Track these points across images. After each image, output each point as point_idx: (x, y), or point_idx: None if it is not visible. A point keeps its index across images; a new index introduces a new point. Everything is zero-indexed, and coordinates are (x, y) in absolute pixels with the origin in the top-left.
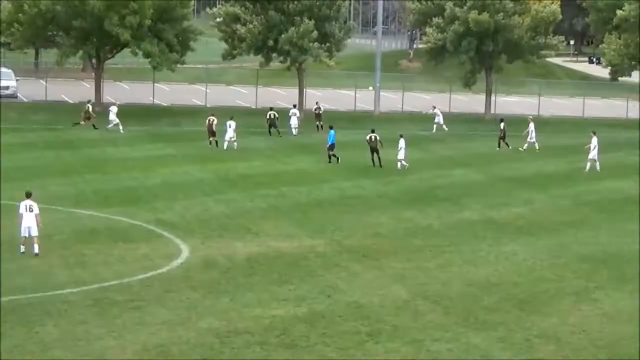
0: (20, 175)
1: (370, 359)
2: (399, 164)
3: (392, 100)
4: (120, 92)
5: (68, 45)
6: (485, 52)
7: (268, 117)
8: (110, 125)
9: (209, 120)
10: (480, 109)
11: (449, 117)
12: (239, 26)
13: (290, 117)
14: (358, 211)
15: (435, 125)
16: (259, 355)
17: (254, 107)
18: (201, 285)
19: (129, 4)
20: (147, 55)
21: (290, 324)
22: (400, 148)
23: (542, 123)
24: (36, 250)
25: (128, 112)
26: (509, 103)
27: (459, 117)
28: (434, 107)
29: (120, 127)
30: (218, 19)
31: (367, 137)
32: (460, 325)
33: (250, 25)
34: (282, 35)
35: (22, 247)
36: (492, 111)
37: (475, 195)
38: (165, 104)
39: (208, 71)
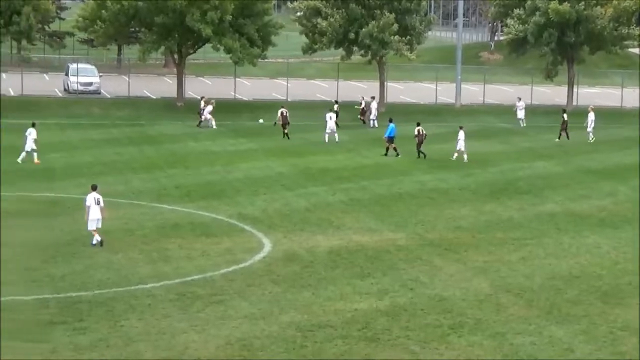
0: (104, 170)
1: (452, 352)
2: (455, 154)
3: (473, 92)
4: (201, 87)
5: (150, 42)
6: (567, 43)
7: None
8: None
9: (282, 112)
10: (562, 101)
11: (530, 108)
12: (319, 20)
13: (370, 109)
14: (439, 204)
15: (519, 120)
16: (341, 348)
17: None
18: (283, 279)
19: None
20: (228, 50)
21: (373, 318)
22: (459, 139)
23: (623, 114)
24: (99, 238)
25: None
26: (591, 94)
27: (540, 109)
28: (519, 99)
29: (213, 124)
30: (299, 13)
31: (416, 131)
32: (543, 318)
33: (331, 19)
34: (363, 29)
35: (94, 239)
36: (574, 103)
37: (557, 187)
38: (247, 99)
39: (289, 65)
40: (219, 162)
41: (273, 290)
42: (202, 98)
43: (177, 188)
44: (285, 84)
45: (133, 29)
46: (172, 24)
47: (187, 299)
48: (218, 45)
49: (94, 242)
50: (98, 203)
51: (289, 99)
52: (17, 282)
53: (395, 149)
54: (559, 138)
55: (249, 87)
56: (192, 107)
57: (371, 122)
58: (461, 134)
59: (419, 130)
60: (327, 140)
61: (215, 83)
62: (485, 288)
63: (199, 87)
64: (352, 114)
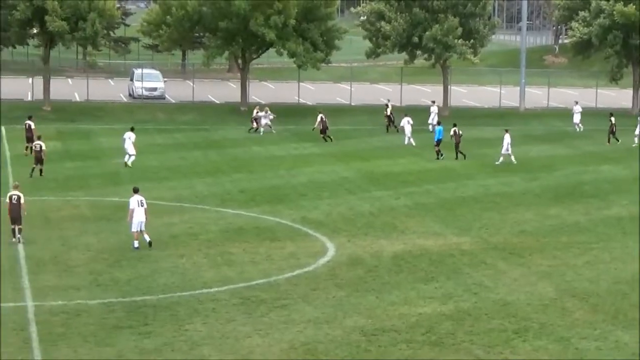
0: (169, 174)
1: (517, 357)
2: (501, 158)
3: (537, 96)
4: (265, 91)
5: (214, 46)
6: (632, 46)
7: (386, 114)
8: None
9: (321, 118)
10: (628, 104)
11: (594, 112)
12: (383, 24)
13: (430, 113)
14: (503, 208)
15: (575, 125)
16: (405, 353)
17: (398, 104)
18: (347, 283)
19: (274, 4)
20: (292, 54)
21: (437, 322)
22: (505, 143)
23: None
24: (148, 239)
25: (273, 111)
26: None
27: (605, 112)
28: (576, 103)
29: (262, 127)
30: (362, 18)
31: (452, 132)
32: (609, 323)
33: (395, 23)
34: (427, 32)
35: (136, 242)
36: None
37: (623, 191)
38: (310, 103)
39: (352, 69)
40: (283, 166)
41: (337, 295)
42: (257, 107)
43: (242, 192)
44: (349, 88)
45: (197, 34)
46: (236, 29)
47: (251, 303)
48: (281, 50)
49: (136, 245)
50: (142, 205)
51: (352, 103)
52: (83, 286)
53: (438, 152)
54: (608, 142)
55: (312, 92)
56: None
57: (430, 126)
58: (507, 137)
59: (454, 131)
60: (413, 143)
61: (278, 87)
62: (550, 292)
63: (262, 91)
64: (420, 118)
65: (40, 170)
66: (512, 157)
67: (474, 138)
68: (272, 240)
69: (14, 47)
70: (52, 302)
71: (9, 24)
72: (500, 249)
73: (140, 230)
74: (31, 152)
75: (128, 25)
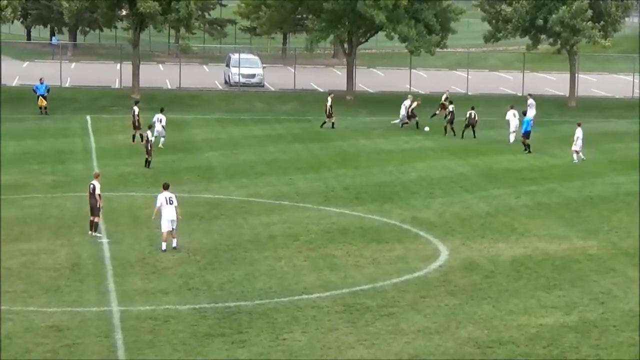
0: (267, 169)
1: None
2: (574, 155)
3: None
4: (374, 79)
5: (318, 29)
6: None
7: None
8: (396, 121)
9: (406, 105)
10: None
11: None
12: (504, 5)
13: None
14: (635, 209)
15: None
16: None
17: (519, 94)
18: (461, 290)
19: None
20: (403, 38)
21: (559, 334)
22: (577, 138)
23: None
24: (175, 244)
25: (382, 101)
26: None
27: None
28: None
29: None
30: None
31: (467, 114)
32: None
33: (517, 4)
34: (553, 15)
35: (164, 244)
36: None
37: None
38: (423, 92)
39: (469, 55)
40: (392, 161)
41: (450, 303)
42: (409, 97)
43: (346, 189)
44: (466, 75)
45: (300, 16)
46: (342, 10)
47: (355, 310)
48: (392, 33)
49: (164, 247)
50: (171, 203)
51: (469, 92)
52: (172, 291)
53: (528, 145)
54: None
55: (425, 79)
56: (364, 101)
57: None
58: (579, 132)
59: (470, 114)
60: (511, 140)
61: (388, 75)
62: None
63: (371, 79)
64: (543, 108)
65: (147, 162)
66: (581, 155)
67: (604, 131)
68: (378, 242)
69: (102, 30)
70: (139, 307)
71: (96, 5)
72: (631, 254)
73: (172, 230)
74: (142, 140)
75: (225, 6)
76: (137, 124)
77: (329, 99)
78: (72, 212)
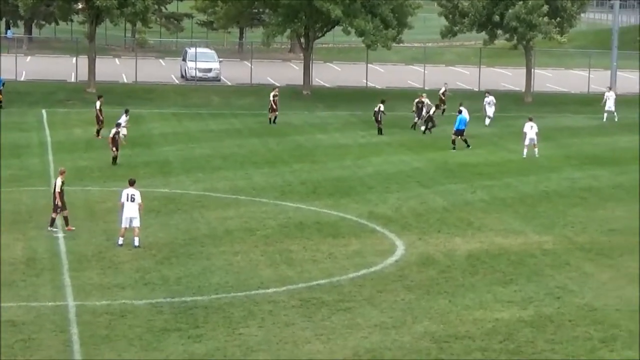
0: (224, 164)
1: None
2: (525, 151)
3: (631, 81)
4: (331, 73)
5: (275, 24)
6: None
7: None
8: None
9: (272, 96)
10: None
11: None
12: (461, 0)
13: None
14: (590, 204)
15: (605, 114)
16: None
17: (476, 89)
18: (417, 285)
19: None
20: (360, 33)
21: (515, 329)
22: (527, 132)
23: None
24: (136, 242)
25: (339, 96)
26: None
27: None
28: (609, 89)
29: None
30: None
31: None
32: None
33: None
34: (509, 10)
35: (120, 239)
36: None
37: None
38: (380, 87)
39: (426, 50)
40: (349, 156)
41: (406, 297)
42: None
43: (303, 184)
44: (422, 70)
45: (256, 10)
46: (299, 5)
47: (311, 305)
48: (349, 28)
49: (120, 242)
50: (132, 200)
51: (426, 87)
52: (129, 285)
53: (454, 141)
54: None
55: (382, 74)
56: (320, 96)
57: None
58: (527, 127)
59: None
60: (525, 154)
61: (345, 69)
62: None
63: (327, 73)
64: (500, 103)
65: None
66: (531, 151)
67: (560, 127)
68: (335, 236)
69: (57, 24)
70: (95, 301)
71: None
72: (586, 249)
73: (131, 227)
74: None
75: (181, 0)
76: (100, 118)
77: (274, 93)
78: (27, 206)
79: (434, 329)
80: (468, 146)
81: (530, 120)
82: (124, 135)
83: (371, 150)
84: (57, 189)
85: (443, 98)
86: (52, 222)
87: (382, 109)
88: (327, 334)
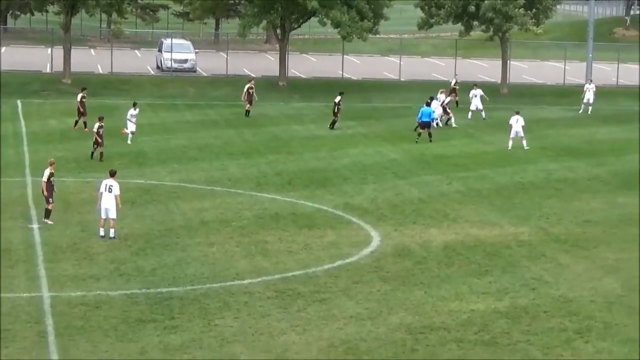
0: (199, 155)
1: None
2: (510, 142)
3: (606, 72)
4: (306, 65)
5: (251, 15)
6: None
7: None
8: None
9: (248, 88)
10: None
11: None
12: None
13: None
14: (566, 196)
15: (582, 106)
16: (455, 353)
17: (451, 81)
18: (393, 276)
19: None
20: (336, 24)
21: (491, 320)
22: (513, 125)
23: None
24: (112, 234)
25: (314, 87)
26: None
27: None
28: (590, 81)
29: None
30: None
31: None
32: None
33: None
34: (485, 1)
35: (101, 229)
36: None
37: None
38: (355, 78)
39: (402, 41)
40: (325, 147)
41: (382, 289)
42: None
43: (279, 175)
44: (398, 62)
45: (232, 1)
46: None
47: (287, 296)
48: (325, 19)
49: (101, 233)
50: (110, 191)
51: (402, 79)
52: (103, 276)
53: (420, 135)
54: None
55: (358, 65)
56: (296, 87)
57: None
58: (513, 120)
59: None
60: (510, 146)
61: (320, 61)
62: (617, 289)
63: (303, 65)
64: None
65: (98, 153)
66: (517, 143)
67: (536, 118)
68: (310, 228)
69: (33, 14)
70: (70, 292)
71: None
72: (562, 240)
73: (107, 218)
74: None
75: None
76: (80, 110)
77: (249, 85)
78: (2, 197)
79: (409, 320)
80: (417, 142)
81: (517, 113)
82: (132, 132)
83: (347, 141)
84: (44, 179)
85: (456, 89)
86: (48, 215)
87: (338, 100)
88: (302, 325)
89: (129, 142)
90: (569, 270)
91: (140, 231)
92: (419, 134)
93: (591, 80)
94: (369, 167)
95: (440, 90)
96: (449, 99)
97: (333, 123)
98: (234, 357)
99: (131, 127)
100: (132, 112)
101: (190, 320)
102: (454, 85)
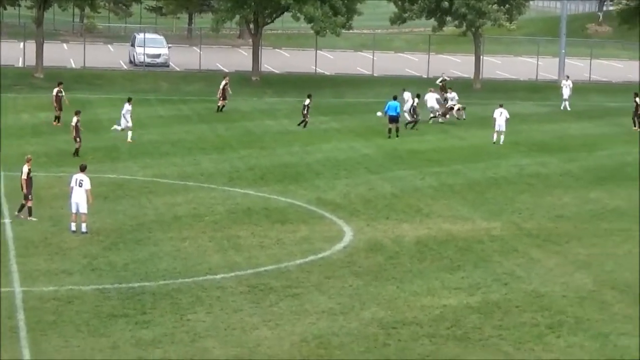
0: (172, 149)
1: (550, 354)
2: (494, 135)
3: (579, 68)
4: (279, 59)
5: (224, 10)
6: None
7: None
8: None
9: (223, 84)
10: None
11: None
12: None
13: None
14: (538, 191)
15: (563, 102)
16: (427, 348)
17: (425, 76)
18: (365, 271)
19: None
20: (309, 19)
21: (463, 315)
22: (497, 118)
23: None
24: (84, 229)
25: (287, 82)
26: None
27: None
28: (567, 77)
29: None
30: None
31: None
32: None
33: None
34: None
35: (72, 224)
36: None
37: None
38: (329, 73)
39: (375, 37)
40: (297, 142)
41: (354, 284)
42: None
43: (251, 170)
44: (371, 57)
45: None
46: None
47: (259, 291)
48: (298, 14)
49: (73, 228)
50: (80, 185)
51: (375, 74)
52: (76, 271)
53: (390, 130)
54: (635, 126)
55: (331, 61)
56: (269, 82)
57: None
58: (497, 113)
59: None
60: (495, 139)
61: (293, 56)
62: (588, 284)
63: (276, 60)
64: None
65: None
66: (502, 137)
67: (510, 113)
68: (283, 223)
69: (4, 8)
70: (42, 287)
71: None
72: (534, 235)
73: (79, 213)
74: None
75: None
76: (54, 105)
77: (225, 82)
78: None
79: (381, 315)
80: (389, 137)
81: (501, 106)
82: (124, 128)
83: (320, 136)
84: (23, 176)
85: (444, 87)
86: (30, 212)
87: (307, 103)
88: (274, 320)
89: (129, 140)
90: (540, 265)
91: (112, 226)
92: (389, 130)
93: (568, 77)
94: (341, 162)
95: (430, 89)
96: (446, 95)
97: (304, 123)
98: (207, 352)
99: (124, 123)
100: (127, 107)
101: (163, 315)
102: (440, 82)
